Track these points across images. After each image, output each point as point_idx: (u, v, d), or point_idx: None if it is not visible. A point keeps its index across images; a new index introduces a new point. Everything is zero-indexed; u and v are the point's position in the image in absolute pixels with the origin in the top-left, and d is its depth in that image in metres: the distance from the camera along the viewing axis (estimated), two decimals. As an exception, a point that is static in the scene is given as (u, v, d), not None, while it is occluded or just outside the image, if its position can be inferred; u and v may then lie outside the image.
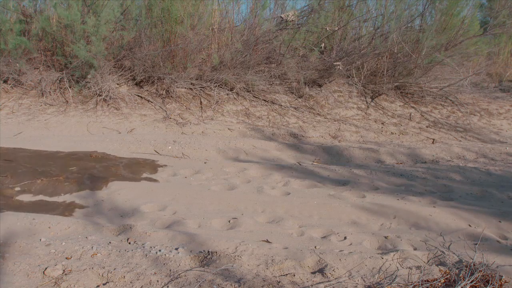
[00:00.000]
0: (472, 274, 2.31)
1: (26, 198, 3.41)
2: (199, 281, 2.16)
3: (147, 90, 6.76)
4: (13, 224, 2.76)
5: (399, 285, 2.22)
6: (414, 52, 7.42)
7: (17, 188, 3.54)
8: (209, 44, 6.95)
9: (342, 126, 6.56)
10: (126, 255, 2.41)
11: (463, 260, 2.54)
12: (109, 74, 6.50)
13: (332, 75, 7.43)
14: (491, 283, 2.22)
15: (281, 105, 6.91)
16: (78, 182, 3.74)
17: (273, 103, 6.93)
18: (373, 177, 4.29)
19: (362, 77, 7.64)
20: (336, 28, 7.53)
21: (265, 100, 6.95)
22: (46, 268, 2.21)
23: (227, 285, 2.14)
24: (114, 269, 2.24)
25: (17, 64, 6.40)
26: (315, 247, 2.69)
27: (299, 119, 6.62)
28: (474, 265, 2.44)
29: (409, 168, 4.75)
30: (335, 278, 2.28)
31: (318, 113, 6.87)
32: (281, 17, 7.71)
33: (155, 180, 3.98)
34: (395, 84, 7.68)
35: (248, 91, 6.95)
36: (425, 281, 2.26)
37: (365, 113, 7.13)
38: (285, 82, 7.30)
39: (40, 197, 3.46)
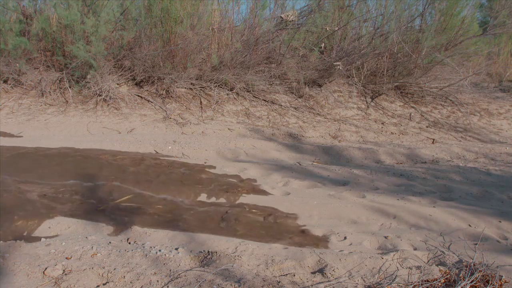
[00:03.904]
0: (472, 274, 2.31)
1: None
2: (199, 281, 2.16)
3: (147, 90, 6.76)
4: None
5: (399, 285, 2.22)
6: (414, 52, 7.42)
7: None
8: (209, 44, 6.95)
9: (342, 126, 6.56)
10: (126, 255, 2.41)
11: (463, 260, 2.54)
12: (109, 74, 6.50)
13: (332, 75, 7.43)
14: (491, 283, 2.22)
15: (281, 105, 6.91)
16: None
17: (273, 103, 6.93)
18: (373, 177, 4.29)
19: (362, 77, 7.64)
20: (336, 28, 7.53)
21: (265, 100, 6.95)
22: (46, 268, 2.21)
23: (227, 285, 2.14)
24: (114, 269, 2.24)
25: (17, 64, 6.40)
26: (315, 247, 2.69)
27: (299, 119, 6.62)
28: (474, 265, 2.44)
29: (409, 168, 4.75)
30: (335, 278, 2.28)
31: (318, 113, 6.87)
32: (281, 17, 7.71)
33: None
34: (395, 84, 7.69)
35: (248, 91, 6.95)
36: (425, 281, 2.26)
37: (365, 113, 7.13)
38: (285, 82, 7.30)
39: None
